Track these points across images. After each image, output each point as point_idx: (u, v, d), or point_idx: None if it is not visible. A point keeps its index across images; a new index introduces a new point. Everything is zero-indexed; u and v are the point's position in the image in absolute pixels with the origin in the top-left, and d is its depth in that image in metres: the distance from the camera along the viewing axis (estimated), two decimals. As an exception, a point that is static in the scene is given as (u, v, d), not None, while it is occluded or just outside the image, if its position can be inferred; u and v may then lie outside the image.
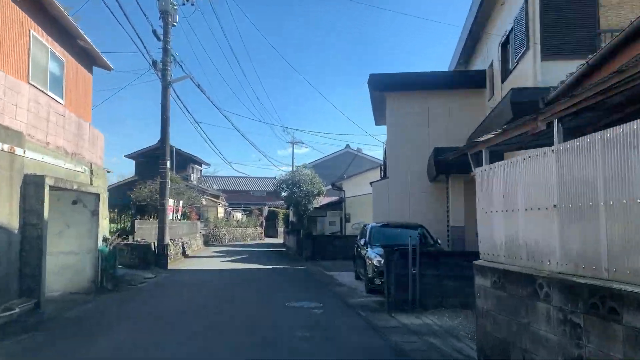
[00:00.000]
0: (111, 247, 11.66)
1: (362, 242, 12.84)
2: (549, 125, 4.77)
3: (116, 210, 20.52)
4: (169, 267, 16.89)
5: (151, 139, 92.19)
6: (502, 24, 13.15)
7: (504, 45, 13.39)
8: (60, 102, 10.58)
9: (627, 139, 3.41)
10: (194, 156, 41.29)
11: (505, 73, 13.23)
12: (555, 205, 4.19)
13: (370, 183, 17.88)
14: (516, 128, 5.31)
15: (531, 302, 4.36)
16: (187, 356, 6.01)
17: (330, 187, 28.13)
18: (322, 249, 21.07)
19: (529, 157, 4.64)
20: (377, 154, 49.81)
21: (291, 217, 34.14)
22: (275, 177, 33.21)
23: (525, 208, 4.63)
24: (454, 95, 16.07)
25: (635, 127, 3.35)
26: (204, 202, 35.28)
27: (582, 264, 3.85)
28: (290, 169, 36.22)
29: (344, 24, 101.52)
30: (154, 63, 16.32)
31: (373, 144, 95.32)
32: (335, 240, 22.44)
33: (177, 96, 39.29)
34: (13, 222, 7.88)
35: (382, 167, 20.44)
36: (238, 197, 51.52)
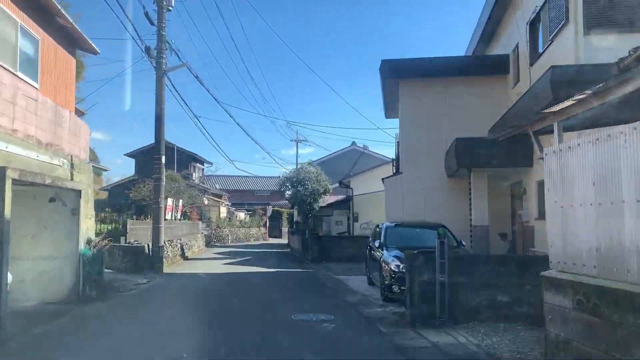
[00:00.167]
0: (95, 251, 10.38)
1: (376, 243, 11.49)
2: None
3: (110, 210, 19.48)
4: (165, 270, 15.63)
5: (152, 137, 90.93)
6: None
7: (533, 23, 12.07)
8: (34, 85, 9.30)
9: None
10: (196, 154, 40.23)
11: (535, 55, 11.91)
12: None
13: (382, 179, 16.52)
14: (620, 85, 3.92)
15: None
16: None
17: (337, 185, 26.72)
18: (329, 251, 19.97)
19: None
20: (384, 151, 48.53)
21: (296, 217, 32.82)
22: (279, 176, 31.68)
23: (638, 199, 3.27)
24: (474, 82, 14.74)
25: None
26: (206, 202, 34.07)
27: None
28: (294, 167, 34.78)
29: (344, 23, 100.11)
30: (147, 50, 15.04)
31: (380, 140, 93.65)
32: (343, 241, 21.35)
33: (174, 86, 37.73)
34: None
35: (395, 162, 19.11)
36: (241, 197, 50.28)
